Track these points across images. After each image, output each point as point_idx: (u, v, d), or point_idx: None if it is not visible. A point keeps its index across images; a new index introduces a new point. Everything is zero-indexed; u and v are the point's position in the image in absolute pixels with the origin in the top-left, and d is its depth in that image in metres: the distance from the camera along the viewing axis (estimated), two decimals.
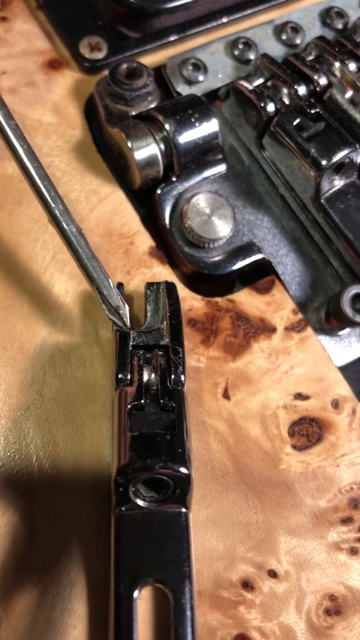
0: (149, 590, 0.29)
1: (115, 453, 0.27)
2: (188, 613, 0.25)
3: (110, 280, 0.31)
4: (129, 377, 0.30)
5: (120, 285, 0.34)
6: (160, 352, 0.31)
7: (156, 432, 0.27)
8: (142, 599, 0.28)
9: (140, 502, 0.27)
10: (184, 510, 0.28)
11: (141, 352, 0.31)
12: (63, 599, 0.29)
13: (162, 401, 0.29)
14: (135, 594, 0.26)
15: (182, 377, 0.30)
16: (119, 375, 0.30)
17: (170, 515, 0.27)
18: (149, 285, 0.34)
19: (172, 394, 0.29)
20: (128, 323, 0.32)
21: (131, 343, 0.31)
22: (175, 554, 0.26)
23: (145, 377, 0.30)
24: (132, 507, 0.27)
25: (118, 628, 0.25)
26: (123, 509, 0.27)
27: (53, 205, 0.30)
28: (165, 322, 0.32)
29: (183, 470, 0.27)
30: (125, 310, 0.32)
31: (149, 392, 0.29)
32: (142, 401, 0.29)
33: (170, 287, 0.33)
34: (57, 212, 0.30)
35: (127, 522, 0.27)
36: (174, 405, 0.29)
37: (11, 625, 0.28)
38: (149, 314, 0.34)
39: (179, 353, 0.31)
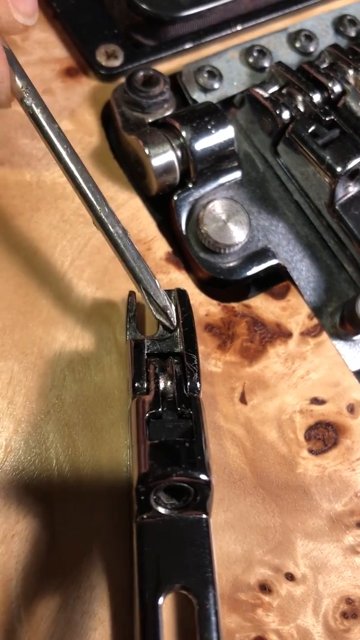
0: (172, 596, 0.28)
1: (135, 462, 0.26)
2: (213, 618, 0.25)
3: (156, 281, 0.30)
4: (145, 385, 0.29)
5: (132, 294, 0.33)
6: (175, 360, 0.30)
7: (175, 439, 0.27)
8: (165, 605, 0.28)
9: (161, 510, 0.26)
10: (204, 516, 0.27)
11: (156, 360, 0.30)
12: (83, 601, 0.28)
13: (179, 409, 0.28)
14: (160, 600, 0.25)
15: (198, 384, 0.29)
16: (136, 384, 0.29)
17: (191, 522, 0.27)
18: None
19: (189, 401, 0.28)
20: (175, 323, 0.31)
21: (146, 351, 0.31)
22: (197, 560, 0.26)
23: (162, 385, 0.29)
24: (154, 515, 0.26)
25: (144, 635, 0.24)
26: (145, 517, 0.26)
27: (99, 208, 0.29)
28: (179, 329, 0.31)
29: (203, 477, 0.26)
30: (172, 310, 0.31)
31: (166, 400, 0.29)
32: (160, 409, 0.28)
33: (182, 295, 0.33)
34: (102, 215, 0.29)
35: (149, 530, 0.26)
36: (191, 412, 0.28)
37: (32, 627, 0.28)
38: None
39: (193, 360, 0.30)
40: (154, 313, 0.30)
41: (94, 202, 0.29)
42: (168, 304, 0.30)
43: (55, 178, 0.37)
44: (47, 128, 0.29)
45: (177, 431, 0.27)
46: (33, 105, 0.29)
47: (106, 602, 0.28)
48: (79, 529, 0.29)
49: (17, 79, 0.28)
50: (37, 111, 0.29)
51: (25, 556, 0.29)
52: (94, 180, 0.36)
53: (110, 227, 0.29)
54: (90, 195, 0.29)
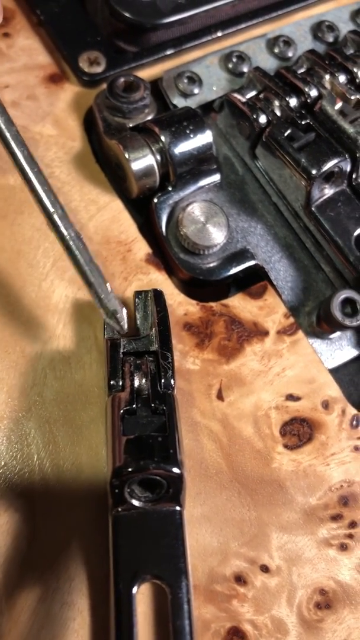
0: (147, 586, 0.29)
1: (110, 456, 0.27)
2: (185, 607, 0.25)
3: (108, 284, 0.30)
4: (120, 383, 0.30)
5: None
6: (150, 358, 0.31)
7: (149, 434, 0.27)
8: (141, 594, 0.28)
9: (135, 503, 0.27)
10: (178, 508, 0.27)
11: (132, 358, 0.31)
12: (62, 592, 0.29)
13: (153, 405, 0.29)
14: (134, 590, 0.25)
15: (172, 381, 0.30)
16: (111, 382, 0.30)
17: (165, 514, 0.27)
18: (138, 293, 0.34)
19: (163, 398, 0.29)
20: (125, 327, 0.31)
21: (122, 350, 0.31)
22: (171, 550, 0.26)
23: (137, 383, 0.30)
24: (128, 508, 0.27)
25: (119, 623, 0.25)
26: (120, 509, 0.27)
27: (52, 210, 0.29)
28: (154, 328, 0.32)
29: (175, 470, 0.27)
30: (123, 314, 0.31)
31: (141, 396, 0.29)
32: (134, 406, 0.29)
33: (157, 295, 0.33)
34: (55, 217, 0.29)
35: (124, 522, 0.27)
36: (164, 408, 0.29)
37: (13, 617, 0.28)
38: (138, 322, 0.33)
39: (168, 358, 0.30)
40: (104, 317, 0.30)
41: (47, 204, 0.29)
42: (118, 308, 0.30)
43: None
44: (4, 130, 0.29)
45: (150, 426, 0.28)
46: None
47: (85, 592, 0.29)
48: (59, 523, 0.30)
49: None
50: None
51: (7, 549, 0.29)
52: (74, 183, 0.37)
53: (63, 229, 0.29)
54: (44, 197, 0.29)
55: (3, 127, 0.29)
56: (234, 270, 0.36)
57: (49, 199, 0.29)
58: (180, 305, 0.35)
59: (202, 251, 0.36)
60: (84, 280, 0.30)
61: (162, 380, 0.29)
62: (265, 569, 0.31)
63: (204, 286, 0.37)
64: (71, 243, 0.29)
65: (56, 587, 0.29)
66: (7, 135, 0.29)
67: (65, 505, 0.30)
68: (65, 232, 0.29)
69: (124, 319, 0.31)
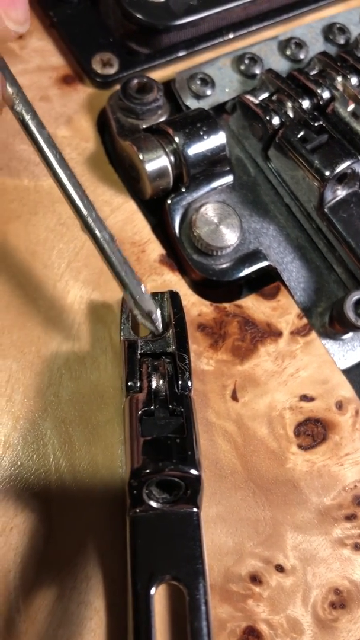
0: (164, 587, 0.28)
1: (128, 457, 0.27)
2: (203, 608, 0.25)
3: (142, 286, 0.30)
4: (138, 384, 0.29)
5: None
6: (167, 359, 0.31)
7: (167, 436, 0.27)
8: (158, 595, 0.28)
9: (153, 504, 0.27)
10: (195, 510, 0.27)
11: (149, 359, 0.31)
12: (79, 592, 0.29)
13: (170, 406, 0.28)
14: (152, 591, 0.25)
15: (189, 383, 0.30)
16: (129, 383, 0.29)
17: (182, 515, 0.27)
18: (154, 294, 0.34)
19: (181, 399, 0.29)
20: (160, 327, 0.31)
21: (139, 351, 0.31)
22: (188, 552, 0.26)
23: (154, 384, 0.30)
24: (146, 509, 0.27)
25: (137, 624, 0.25)
26: (137, 510, 0.27)
27: (86, 213, 0.29)
28: (170, 330, 0.32)
29: (193, 471, 0.26)
30: (157, 315, 0.31)
31: (158, 398, 0.29)
32: (152, 407, 0.28)
33: (174, 296, 0.33)
34: (90, 220, 0.29)
35: (142, 524, 0.27)
36: (182, 410, 0.28)
37: (30, 617, 0.28)
38: None
39: (185, 360, 0.30)
40: (139, 317, 0.30)
41: (82, 208, 0.29)
42: (153, 308, 0.30)
43: (52, 182, 0.37)
44: (36, 134, 0.29)
45: (168, 428, 0.28)
46: (23, 112, 0.29)
47: (101, 592, 0.29)
48: (75, 522, 0.30)
49: (8, 86, 0.29)
50: (27, 117, 0.29)
51: (23, 548, 0.29)
52: (88, 184, 0.37)
53: (97, 232, 0.29)
54: (78, 200, 0.29)
55: (35, 131, 0.29)
56: (246, 271, 0.36)
57: (82, 202, 0.29)
58: (194, 306, 0.35)
59: (215, 252, 0.36)
60: (118, 282, 0.30)
61: (180, 382, 0.29)
62: (280, 568, 0.30)
63: (216, 287, 0.36)
64: (105, 245, 0.29)
65: (73, 586, 0.29)
66: (40, 138, 0.29)
67: (81, 505, 0.30)
68: (99, 235, 0.29)
69: (159, 319, 0.31)
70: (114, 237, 0.30)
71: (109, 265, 0.30)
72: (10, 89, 0.29)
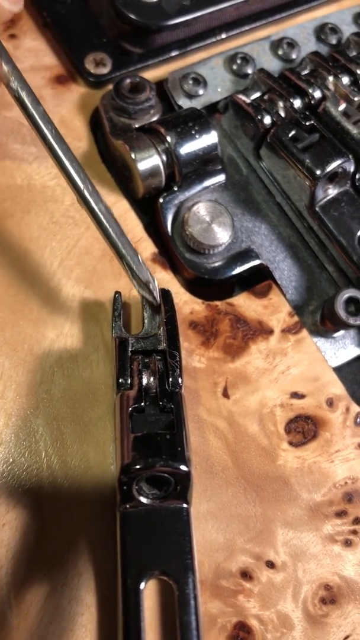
0: (154, 582, 0.29)
1: (118, 454, 0.27)
2: (192, 602, 0.25)
3: (139, 256, 0.30)
4: (129, 381, 0.29)
5: (118, 294, 0.34)
6: (158, 357, 0.31)
7: (157, 432, 0.27)
8: (148, 590, 0.28)
9: (143, 500, 0.27)
10: (185, 505, 0.27)
11: (140, 357, 0.31)
12: (71, 587, 0.29)
13: (161, 403, 0.29)
14: (142, 586, 0.25)
15: (180, 380, 0.30)
16: (120, 380, 0.29)
17: (172, 511, 0.27)
18: None
19: (171, 396, 0.29)
20: (158, 298, 0.32)
21: (130, 349, 0.31)
22: (178, 547, 0.26)
23: (145, 381, 0.30)
24: (136, 505, 0.27)
25: (126, 618, 0.25)
26: (127, 506, 0.27)
27: (82, 186, 0.29)
28: (162, 327, 0.32)
29: (183, 467, 0.27)
30: (155, 285, 0.31)
31: (149, 395, 0.29)
32: (142, 404, 0.28)
33: (165, 294, 0.33)
34: (86, 193, 0.29)
35: (131, 519, 0.27)
36: (172, 406, 0.29)
37: (22, 612, 0.28)
38: (146, 321, 0.33)
39: (175, 357, 0.30)
40: (137, 288, 0.31)
41: (78, 181, 0.29)
42: (151, 279, 0.31)
43: (45, 181, 0.37)
44: (32, 110, 0.29)
45: (158, 424, 0.28)
46: (19, 89, 0.29)
47: (93, 588, 0.29)
48: (67, 519, 0.30)
49: (3, 64, 0.29)
50: (23, 94, 0.29)
51: (15, 544, 0.29)
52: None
53: (93, 204, 0.29)
54: (74, 173, 0.29)
55: (31, 107, 0.29)
56: (238, 270, 0.36)
57: (79, 175, 0.29)
58: (186, 304, 0.35)
59: (207, 250, 0.36)
60: (115, 253, 0.30)
61: (170, 379, 0.29)
62: (270, 564, 0.31)
63: (208, 285, 0.37)
64: (102, 217, 0.30)
65: (64, 582, 0.29)
66: (35, 115, 0.29)
67: (73, 501, 0.30)
68: (95, 207, 0.30)
69: (157, 289, 0.31)
70: (110, 209, 0.30)
71: (106, 237, 0.30)
72: (5, 67, 0.29)
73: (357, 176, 0.36)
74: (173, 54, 0.41)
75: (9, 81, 0.29)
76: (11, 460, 0.31)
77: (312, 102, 0.38)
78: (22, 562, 0.29)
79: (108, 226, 0.30)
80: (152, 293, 0.31)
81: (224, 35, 0.42)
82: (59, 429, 0.32)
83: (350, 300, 0.34)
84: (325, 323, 0.35)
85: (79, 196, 0.30)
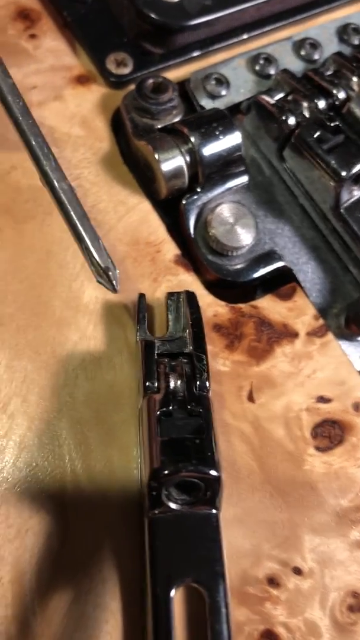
0: (183, 589, 0.28)
1: (146, 458, 0.27)
2: (223, 610, 0.25)
3: (101, 241, 0.28)
4: (155, 384, 0.29)
5: (142, 296, 0.33)
6: (185, 360, 0.31)
7: (185, 436, 0.27)
8: (176, 597, 0.28)
9: (172, 505, 0.27)
10: (214, 511, 0.27)
11: (166, 360, 0.31)
12: (96, 594, 0.28)
13: (189, 407, 0.28)
14: (172, 593, 0.25)
15: (207, 383, 0.29)
16: (147, 383, 0.29)
17: (201, 517, 0.27)
18: (170, 295, 0.34)
19: (199, 400, 0.28)
20: (117, 286, 0.29)
21: (156, 352, 0.31)
22: (208, 554, 0.26)
23: (172, 384, 0.29)
24: (165, 510, 0.26)
25: (157, 627, 0.24)
26: (156, 512, 0.26)
27: (45, 162, 0.28)
28: (187, 330, 0.32)
29: (213, 472, 0.26)
30: (116, 273, 0.29)
31: (176, 398, 0.29)
32: (170, 407, 0.28)
33: (190, 296, 0.33)
34: (47, 169, 0.28)
35: (161, 525, 0.26)
36: (201, 410, 0.28)
37: (46, 619, 0.28)
38: (171, 323, 0.33)
39: (202, 360, 0.30)
40: (95, 274, 0.28)
41: (40, 155, 0.28)
42: (110, 265, 0.28)
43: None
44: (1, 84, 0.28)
45: (187, 428, 0.27)
46: None
47: (118, 594, 0.28)
48: (91, 524, 0.30)
49: None
50: None
51: (39, 550, 0.29)
52: (102, 184, 0.37)
53: (55, 182, 0.28)
54: (37, 148, 0.28)
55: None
56: (261, 272, 0.36)
57: (41, 151, 0.28)
58: (210, 306, 0.35)
59: (230, 252, 0.36)
60: (74, 234, 0.28)
61: (198, 382, 0.29)
62: (297, 571, 0.30)
63: (231, 287, 0.36)
64: (63, 195, 0.28)
65: (89, 588, 0.29)
66: (2, 86, 0.28)
67: (97, 506, 0.30)
68: (57, 184, 0.28)
69: (117, 277, 0.29)
70: (73, 188, 0.28)
71: (65, 216, 0.28)
72: None
73: None
74: (194, 54, 0.41)
75: None
76: (34, 464, 0.30)
77: (337, 102, 0.37)
78: (46, 568, 0.29)
79: (69, 205, 0.28)
80: (111, 282, 0.29)
81: (245, 36, 0.42)
82: (83, 433, 0.31)
83: None
84: (350, 326, 0.35)
85: (40, 172, 0.28)
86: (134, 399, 0.32)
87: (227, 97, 0.40)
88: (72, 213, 0.28)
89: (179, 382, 0.29)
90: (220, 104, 0.39)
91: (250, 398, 0.33)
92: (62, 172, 0.28)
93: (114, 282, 0.29)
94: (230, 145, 0.36)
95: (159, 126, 0.37)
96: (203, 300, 0.35)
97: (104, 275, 0.28)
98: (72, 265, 0.35)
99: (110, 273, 0.29)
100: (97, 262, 0.28)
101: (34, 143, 0.28)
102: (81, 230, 0.28)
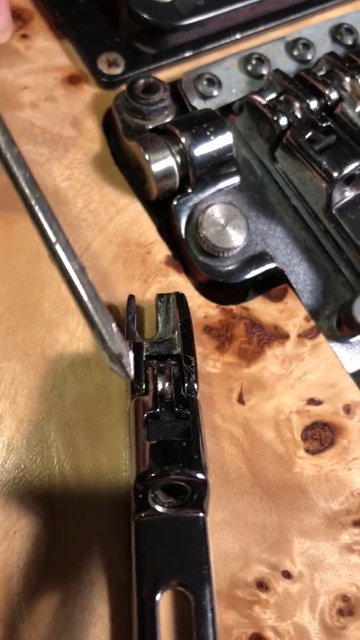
0: (169, 592, 0.28)
1: (133, 461, 0.27)
2: (209, 614, 0.25)
3: (113, 324, 0.26)
4: (143, 386, 0.29)
5: (131, 297, 0.33)
6: (173, 362, 0.30)
7: (173, 439, 0.27)
8: (163, 600, 0.28)
9: (159, 508, 0.26)
10: (201, 514, 0.27)
11: (154, 362, 0.30)
12: (83, 597, 0.28)
13: (177, 409, 0.28)
14: (157, 597, 0.25)
15: (195, 385, 0.29)
16: (135, 385, 0.29)
17: (188, 520, 0.27)
18: (160, 296, 0.34)
19: (187, 402, 0.28)
20: (132, 373, 0.26)
21: (145, 353, 0.30)
22: (194, 557, 0.26)
23: (160, 387, 0.29)
24: (152, 513, 0.26)
25: (142, 630, 0.24)
26: (143, 515, 0.26)
27: (54, 240, 0.25)
28: (176, 332, 0.31)
29: (200, 475, 0.26)
30: (129, 359, 0.26)
31: (164, 400, 0.29)
32: (158, 410, 0.28)
33: (180, 298, 0.33)
34: (57, 247, 0.25)
35: (147, 528, 0.26)
36: (188, 412, 0.28)
37: (33, 622, 0.28)
38: (160, 325, 0.33)
39: (191, 362, 0.30)
40: (107, 360, 0.26)
41: (50, 234, 0.25)
42: (124, 351, 0.26)
43: (58, 183, 0.37)
44: (5, 151, 0.26)
45: (174, 431, 0.27)
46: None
47: (105, 598, 0.28)
48: (79, 527, 0.29)
49: None
50: None
51: (27, 553, 0.29)
52: (93, 185, 0.36)
53: (65, 261, 0.25)
54: (45, 223, 0.26)
55: (3, 147, 0.26)
56: (253, 273, 0.36)
57: (51, 227, 0.26)
58: (200, 307, 0.35)
59: (222, 254, 0.35)
60: (86, 318, 0.26)
61: (186, 385, 0.29)
62: (287, 574, 0.30)
63: (222, 289, 0.36)
64: (73, 276, 0.26)
65: (77, 591, 0.28)
66: (8, 156, 0.26)
67: (86, 508, 0.30)
68: (67, 264, 0.26)
69: (130, 364, 0.26)
70: (84, 267, 0.26)
71: (76, 299, 0.26)
72: None
73: None
74: (187, 54, 0.41)
75: None
76: (22, 466, 0.30)
77: (329, 103, 0.37)
78: (34, 571, 0.29)
79: (80, 287, 0.25)
80: (124, 369, 0.26)
81: (238, 36, 0.42)
82: (71, 435, 0.31)
83: None
84: (342, 328, 0.35)
85: (49, 250, 0.26)
86: (123, 401, 0.32)
87: (219, 98, 0.39)
88: (83, 295, 0.25)
89: (167, 384, 0.29)
90: (212, 105, 0.39)
91: (241, 400, 0.33)
92: (72, 250, 0.26)
93: (127, 368, 0.26)
94: (222, 145, 0.36)
95: (150, 127, 0.37)
96: (194, 302, 0.35)
97: (117, 362, 0.26)
98: None
99: (123, 360, 0.26)
100: (110, 348, 0.26)
101: (42, 217, 0.26)
102: (93, 314, 0.26)
